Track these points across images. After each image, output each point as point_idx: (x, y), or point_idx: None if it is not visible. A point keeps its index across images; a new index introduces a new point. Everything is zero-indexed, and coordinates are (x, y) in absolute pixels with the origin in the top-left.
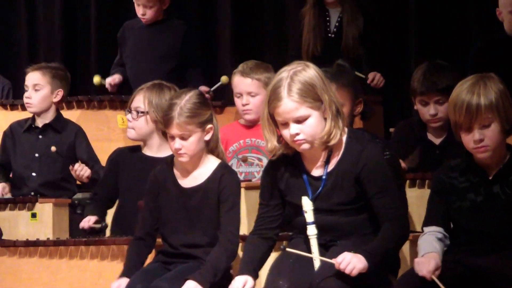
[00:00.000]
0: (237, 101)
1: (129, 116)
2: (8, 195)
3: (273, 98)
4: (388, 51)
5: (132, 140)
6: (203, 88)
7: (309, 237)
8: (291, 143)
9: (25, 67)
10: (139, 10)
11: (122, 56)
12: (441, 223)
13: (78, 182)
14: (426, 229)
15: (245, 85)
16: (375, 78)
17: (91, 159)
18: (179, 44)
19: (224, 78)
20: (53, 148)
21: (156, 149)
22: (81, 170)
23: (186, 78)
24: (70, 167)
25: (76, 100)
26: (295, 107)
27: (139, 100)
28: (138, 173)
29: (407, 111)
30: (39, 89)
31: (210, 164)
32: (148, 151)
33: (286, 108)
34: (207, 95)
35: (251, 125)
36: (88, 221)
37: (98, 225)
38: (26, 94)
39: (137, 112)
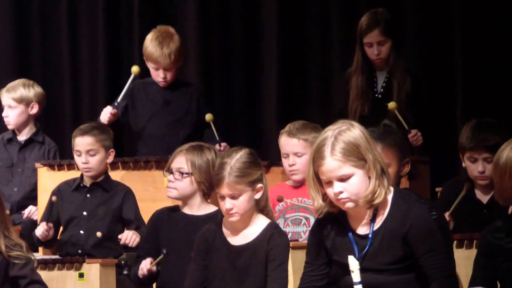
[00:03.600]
0: (284, 161)
1: (170, 177)
2: (55, 256)
3: (317, 157)
4: (434, 111)
5: (173, 199)
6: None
7: None
8: (335, 201)
9: (68, 127)
10: (159, 74)
11: (124, 109)
12: (488, 284)
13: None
14: None
15: (292, 145)
16: (416, 134)
17: (137, 220)
18: (195, 107)
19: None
20: (98, 234)
21: (196, 208)
22: (128, 240)
23: (205, 139)
24: (119, 236)
25: (121, 161)
26: (338, 166)
27: (181, 162)
28: (180, 233)
29: (454, 171)
30: (94, 154)
31: (259, 223)
32: (188, 210)
33: (329, 167)
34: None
35: (299, 185)
36: (145, 266)
37: (155, 267)
38: (82, 160)
39: (181, 173)
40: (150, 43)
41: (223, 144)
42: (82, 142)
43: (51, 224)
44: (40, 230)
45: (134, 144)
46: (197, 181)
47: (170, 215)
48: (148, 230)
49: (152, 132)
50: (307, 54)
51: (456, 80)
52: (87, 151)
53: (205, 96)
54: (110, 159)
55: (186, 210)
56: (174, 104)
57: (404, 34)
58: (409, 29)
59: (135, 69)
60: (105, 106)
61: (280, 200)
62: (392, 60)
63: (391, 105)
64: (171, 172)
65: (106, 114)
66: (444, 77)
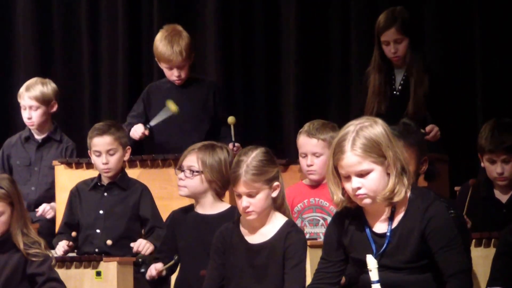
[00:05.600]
0: (302, 161)
1: (181, 174)
2: (73, 254)
3: (337, 151)
4: (453, 109)
5: (183, 196)
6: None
7: None
8: (353, 197)
9: (87, 126)
10: (173, 73)
11: (143, 116)
12: (506, 284)
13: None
14: None
15: (311, 145)
16: (432, 130)
17: (153, 218)
18: (211, 103)
19: (230, 119)
20: (109, 242)
21: (209, 207)
22: (140, 247)
23: (221, 137)
24: (131, 244)
25: (140, 159)
26: (358, 161)
27: (192, 160)
28: (194, 233)
29: (473, 169)
30: (113, 153)
31: (277, 221)
32: (200, 209)
33: (348, 161)
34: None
35: (316, 184)
36: (155, 269)
37: (165, 271)
38: (103, 160)
39: (192, 171)
40: (160, 43)
41: (236, 144)
42: (101, 142)
43: (71, 243)
44: (60, 250)
45: (153, 143)
46: (208, 180)
47: (184, 215)
48: (166, 232)
49: (171, 130)
50: (326, 53)
51: (476, 78)
52: (107, 151)
53: (220, 91)
54: (127, 156)
55: (199, 210)
56: (191, 100)
57: (423, 32)
58: (428, 28)
59: (173, 107)
60: (124, 105)
61: None
62: (409, 58)
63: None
64: (182, 170)
65: (138, 132)
66: (464, 75)
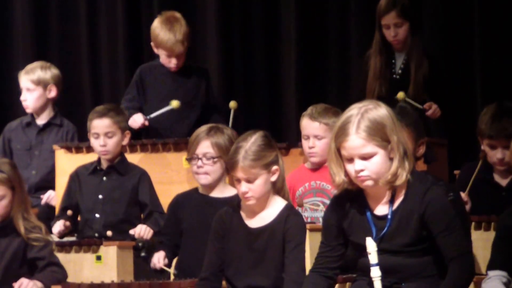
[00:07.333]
0: (304, 143)
1: (199, 163)
2: (72, 239)
3: (340, 133)
4: (453, 93)
5: (206, 185)
6: None
7: (373, 279)
8: (355, 179)
9: (88, 111)
10: (171, 61)
11: (139, 99)
12: (506, 267)
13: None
14: (490, 272)
15: (313, 128)
16: (431, 107)
17: (152, 204)
18: (204, 90)
19: (232, 103)
20: (108, 233)
21: (219, 191)
22: (142, 232)
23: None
24: (131, 231)
25: (140, 143)
26: (362, 144)
27: (206, 146)
28: (199, 215)
29: (473, 153)
30: (111, 136)
31: (276, 205)
32: (208, 192)
33: (352, 144)
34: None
35: (317, 167)
36: (158, 261)
37: (168, 269)
38: (100, 142)
39: (212, 158)
40: (160, 30)
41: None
42: (100, 124)
43: (68, 223)
44: (56, 229)
45: (146, 128)
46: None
47: (189, 198)
48: (168, 216)
49: (166, 117)
50: (325, 36)
51: (475, 61)
52: (106, 133)
53: (210, 78)
54: (126, 140)
55: (207, 192)
56: (184, 86)
57: (422, 16)
58: (428, 12)
59: (175, 104)
60: (125, 89)
61: (300, 205)
62: (409, 42)
63: (400, 95)
64: (198, 158)
65: (137, 122)
66: (463, 59)
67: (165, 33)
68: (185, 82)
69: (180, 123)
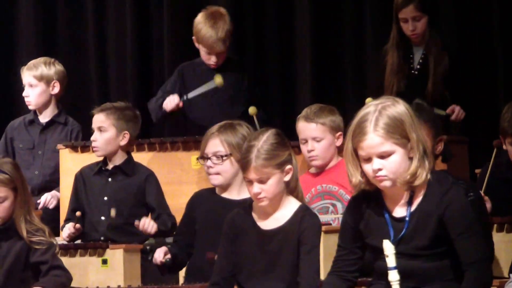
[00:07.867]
0: (303, 147)
1: (209, 162)
2: (77, 242)
3: (357, 132)
4: (474, 89)
5: (219, 186)
6: None
7: (391, 283)
8: (372, 179)
9: (95, 106)
10: (210, 58)
11: (178, 93)
12: None
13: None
14: None
15: (310, 130)
16: (454, 110)
17: (159, 206)
18: (245, 84)
19: (251, 109)
20: (112, 213)
21: (235, 192)
22: (146, 226)
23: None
24: (136, 222)
25: (147, 142)
26: (380, 142)
27: (217, 144)
28: (214, 217)
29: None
30: (103, 131)
31: (290, 205)
32: (225, 193)
33: (370, 143)
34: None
35: (319, 171)
36: (159, 256)
37: (168, 259)
38: (92, 137)
39: (220, 156)
40: (203, 25)
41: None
42: (95, 119)
43: (78, 226)
44: (66, 233)
45: (186, 126)
46: (237, 161)
47: (206, 198)
48: (183, 214)
49: (207, 112)
50: (341, 33)
51: (497, 56)
52: (98, 128)
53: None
54: (124, 141)
55: (223, 194)
56: (226, 82)
57: (442, 10)
58: (448, 5)
59: (219, 80)
60: (132, 86)
61: None
62: (428, 36)
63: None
64: (208, 158)
65: (172, 103)
66: (485, 54)
67: (207, 29)
68: (227, 77)
69: (222, 119)
